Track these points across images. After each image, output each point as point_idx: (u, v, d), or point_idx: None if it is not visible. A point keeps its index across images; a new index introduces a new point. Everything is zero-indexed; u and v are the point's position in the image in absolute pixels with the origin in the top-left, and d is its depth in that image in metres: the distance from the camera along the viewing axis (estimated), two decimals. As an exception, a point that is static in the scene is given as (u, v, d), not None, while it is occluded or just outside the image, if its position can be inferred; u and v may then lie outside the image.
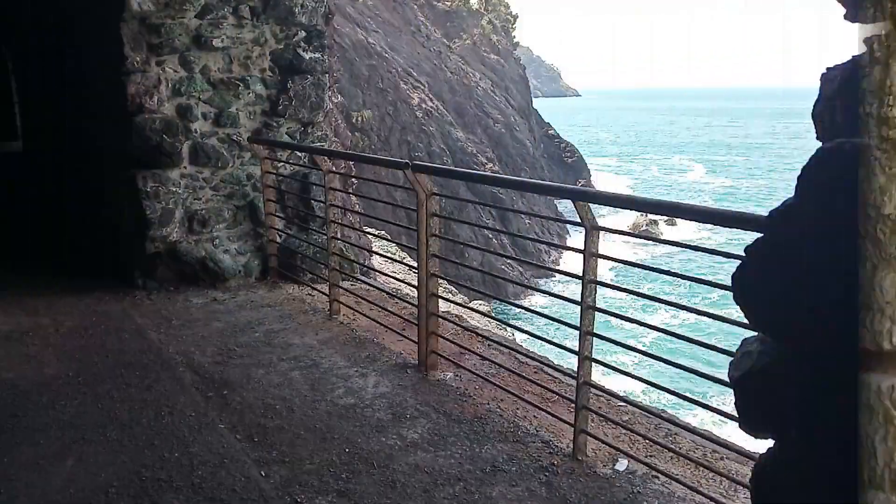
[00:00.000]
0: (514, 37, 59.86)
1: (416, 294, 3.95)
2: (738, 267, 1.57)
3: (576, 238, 37.39)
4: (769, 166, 68.43)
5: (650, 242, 37.20)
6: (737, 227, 2.13)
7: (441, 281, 3.92)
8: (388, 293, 5.00)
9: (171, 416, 3.41)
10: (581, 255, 2.77)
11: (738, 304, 1.57)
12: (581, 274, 2.78)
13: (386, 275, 6.65)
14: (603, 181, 57.78)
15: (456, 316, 4.57)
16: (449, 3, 49.18)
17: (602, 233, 2.75)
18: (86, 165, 5.93)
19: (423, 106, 33.29)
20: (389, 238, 19.29)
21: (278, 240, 5.69)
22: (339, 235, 4.87)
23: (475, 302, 27.10)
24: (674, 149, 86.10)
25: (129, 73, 5.09)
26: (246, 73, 5.49)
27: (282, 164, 5.68)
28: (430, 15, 45.87)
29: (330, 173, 4.72)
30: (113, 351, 4.29)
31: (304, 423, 3.36)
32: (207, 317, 4.92)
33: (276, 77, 5.62)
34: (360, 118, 30.31)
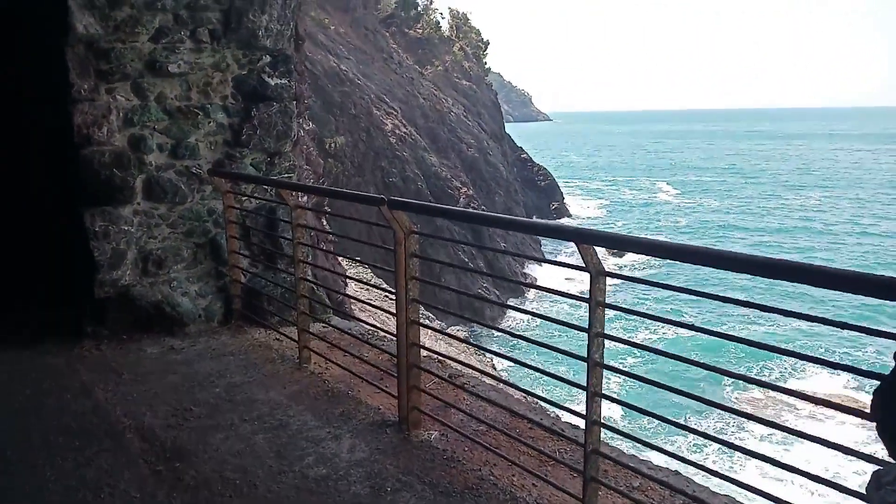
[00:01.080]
0: (486, 63, 60.36)
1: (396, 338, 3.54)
2: (883, 383, 1.21)
3: (562, 253, 37.28)
4: (736, 185, 69.57)
5: (621, 261, 37.34)
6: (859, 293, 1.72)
7: (423, 319, 3.52)
8: (363, 340, 4.57)
9: (112, 498, 2.93)
10: (586, 305, 2.39)
11: (878, 431, 1.21)
12: (587, 326, 2.41)
13: (362, 321, 6.21)
14: (576, 204, 58.14)
15: (439, 362, 4.15)
16: (420, 31, 49.43)
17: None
18: (27, 203, 5.43)
19: (397, 132, 33.10)
20: (367, 265, 18.85)
21: (243, 280, 5.24)
22: (308, 276, 4.44)
23: (453, 328, 26.69)
24: (642, 170, 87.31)
25: (75, 101, 4.64)
26: (206, 101, 5.08)
27: (246, 197, 5.25)
28: (401, 42, 45.99)
29: (298, 208, 4.30)
30: (52, 413, 3.78)
31: (268, 501, 2.91)
32: (163, 369, 4.43)
33: (240, 105, 5.21)
34: (333, 144, 30.01)
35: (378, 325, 4.85)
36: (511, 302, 31.06)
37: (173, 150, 5.00)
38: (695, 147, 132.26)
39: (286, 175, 5.34)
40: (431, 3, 52.10)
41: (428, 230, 22.60)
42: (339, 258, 14.77)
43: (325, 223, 12.81)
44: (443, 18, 53.31)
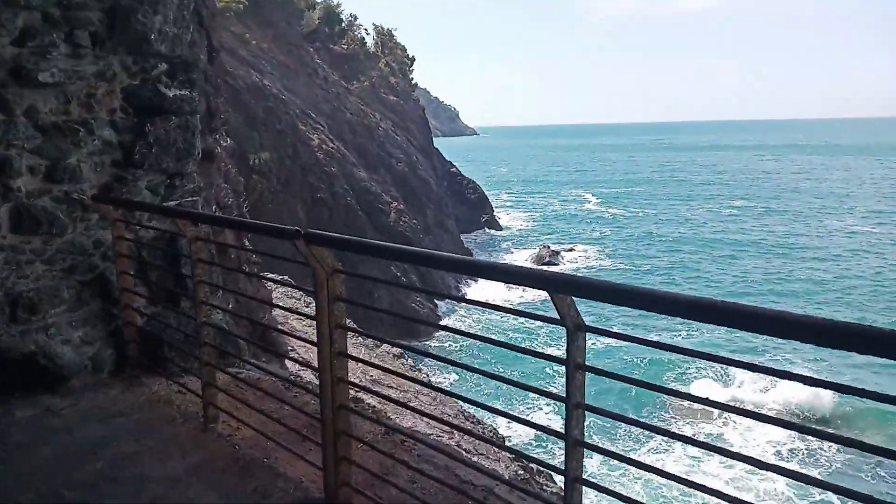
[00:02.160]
0: (412, 78, 60.24)
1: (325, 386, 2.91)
2: None
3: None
4: (656, 195, 72.04)
5: (554, 268, 37.52)
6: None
7: (357, 361, 2.92)
8: (279, 399, 3.91)
9: None
10: (563, 367, 1.87)
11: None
12: (564, 394, 1.88)
13: (292, 356, 5.55)
14: (506, 216, 58.57)
15: (374, 416, 3.55)
16: (345, 47, 48.71)
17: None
18: None
19: (324, 147, 32.23)
20: (294, 284, 17.98)
21: (139, 322, 4.48)
22: (213, 319, 3.75)
23: (385, 346, 25.88)
24: (568, 183, 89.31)
25: (-81, 117, 3.82)
26: (89, 116, 4.32)
27: (141, 227, 4.51)
28: (326, 58, 45.14)
29: (197, 241, 3.62)
30: None
31: None
32: (34, 439, 3.64)
33: (131, 119, 4.48)
34: (257, 160, 28.90)
35: (306, 362, 4.21)
36: (446, 322, 30.60)
37: (48, 172, 4.21)
38: (616, 159, 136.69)
39: (190, 198, 4.63)
40: (356, 20, 51.51)
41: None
42: (266, 281, 13.89)
43: (246, 241, 11.93)
44: (368, 34, 52.79)
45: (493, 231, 52.73)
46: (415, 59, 60.19)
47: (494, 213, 56.14)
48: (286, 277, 18.02)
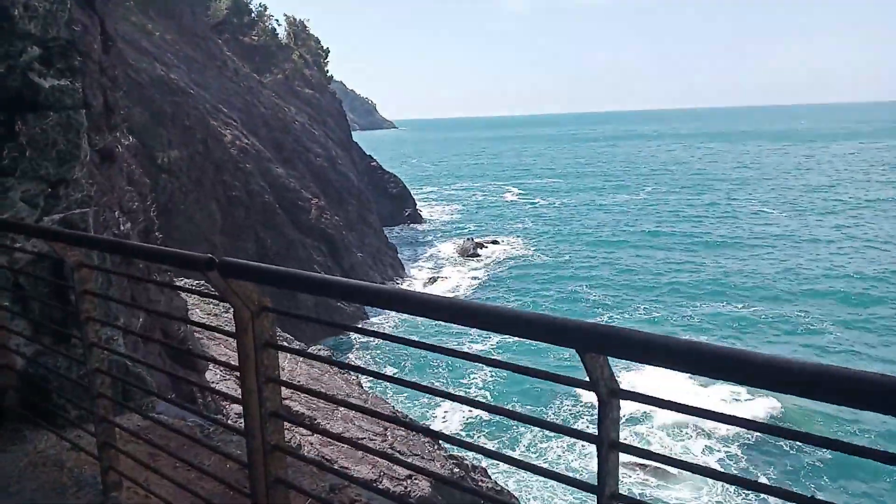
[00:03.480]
0: (328, 71, 58.79)
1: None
2: None
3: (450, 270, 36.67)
4: (574, 187, 73.69)
5: (477, 262, 37.56)
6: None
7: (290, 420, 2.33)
8: (199, 445, 3.24)
9: None
10: (594, 446, 1.37)
11: None
12: (596, 483, 1.39)
13: (219, 391, 4.85)
14: (429, 209, 58.23)
15: (317, 468, 2.97)
16: (256, 38, 46.80)
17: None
18: None
19: (238, 143, 30.69)
20: (215, 294, 16.88)
21: (18, 365, 3.68)
22: (105, 366, 3.02)
23: (314, 347, 25.06)
24: (489, 175, 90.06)
25: None
26: (-61, 112, 3.49)
27: (16, 250, 3.70)
28: (236, 50, 43.22)
29: (83, 268, 2.88)
30: None
31: None
32: None
33: (-4, 116, 3.66)
34: (165, 159, 27.15)
35: (234, 397, 3.54)
36: (368, 308, 29.87)
37: None
38: (536, 151, 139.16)
39: (78, 210, 3.85)
40: (266, 10, 49.59)
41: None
42: (185, 293, 12.85)
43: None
44: (279, 25, 50.97)
45: (416, 225, 52.28)
46: (329, 51, 58.75)
47: (417, 207, 55.69)
48: (203, 283, 16.88)
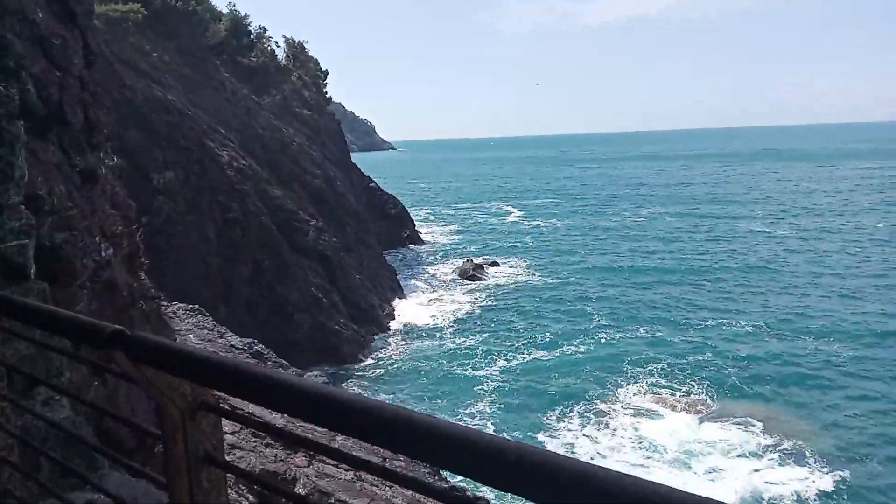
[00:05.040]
0: (326, 92, 58.93)
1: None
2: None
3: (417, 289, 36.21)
4: (575, 207, 73.61)
5: (479, 282, 37.06)
6: None
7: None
8: None
9: None
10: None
11: None
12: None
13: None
14: (428, 231, 58.01)
15: None
16: (255, 59, 46.87)
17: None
18: None
19: (234, 164, 30.44)
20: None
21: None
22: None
23: (310, 373, 24.48)
24: (488, 195, 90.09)
25: None
26: None
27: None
28: (234, 71, 43.21)
29: None
30: None
31: None
32: None
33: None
34: (160, 180, 26.90)
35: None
36: (367, 332, 29.39)
37: None
38: (533, 172, 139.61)
39: (15, 243, 3.44)
40: (265, 32, 49.76)
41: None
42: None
43: (142, 277, 10.44)
44: (278, 47, 51.10)
45: (415, 246, 52.00)
46: (328, 73, 58.92)
47: (416, 228, 55.47)
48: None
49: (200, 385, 1.47)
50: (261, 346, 15.30)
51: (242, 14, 44.82)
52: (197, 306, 16.06)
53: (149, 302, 10.13)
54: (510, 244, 51.93)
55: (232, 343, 14.80)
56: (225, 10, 43.76)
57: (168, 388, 1.48)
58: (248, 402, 1.15)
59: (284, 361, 16.24)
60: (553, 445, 18.52)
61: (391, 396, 22.44)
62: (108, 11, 27.81)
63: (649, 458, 17.58)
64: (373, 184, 53.78)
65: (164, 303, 13.84)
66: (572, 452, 17.98)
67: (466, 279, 40.11)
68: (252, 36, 48.40)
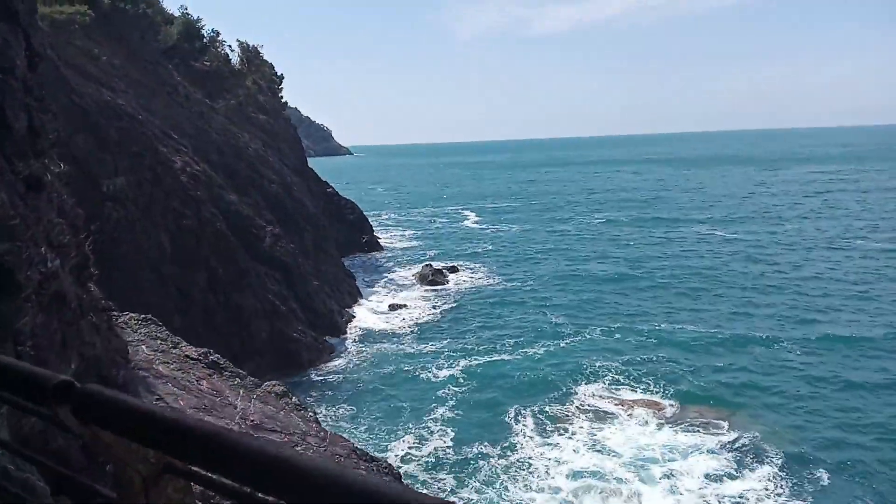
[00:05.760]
0: (282, 97, 58.22)
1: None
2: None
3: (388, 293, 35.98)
4: (533, 212, 74.35)
5: (438, 287, 37.11)
6: None
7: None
8: None
9: None
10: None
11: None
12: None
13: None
14: (387, 236, 57.79)
15: None
16: (208, 64, 46.03)
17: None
18: None
19: (188, 170, 29.80)
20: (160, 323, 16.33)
21: None
22: None
23: (267, 384, 24.19)
24: (447, 199, 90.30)
25: None
26: None
27: None
28: (187, 75, 42.35)
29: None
30: None
31: None
32: None
33: None
34: (110, 186, 26.13)
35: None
36: (327, 338, 29.09)
37: None
38: (492, 177, 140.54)
39: None
40: (219, 35, 48.91)
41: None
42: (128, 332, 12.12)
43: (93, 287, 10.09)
44: (232, 51, 50.28)
45: (374, 252, 51.75)
46: (283, 77, 58.26)
47: (375, 234, 55.21)
48: (150, 316, 16.00)
49: (167, 455, 1.23)
50: (217, 355, 14.97)
51: (195, 17, 43.99)
52: (150, 316, 15.63)
53: (99, 314, 9.82)
54: (469, 249, 52.13)
55: (187, 353, 14.45)
56: (177, 14, 42.87)
57: (126, 451, 1.26)
58: (230, 480, 1.05)
59: (242, 371, 15.93)
60: (513, 450, 18.66)
61: (351, 405, 22.26)
62: (53, 13, 26.90)
63: (606, 460, 17.85)
64: (330, 189, 53.35)
65: (115, 313, 13.43)
66: (530, 458, 18.15)
67: (426, 284, 40.10)
68: (205, 39, 47.53)
